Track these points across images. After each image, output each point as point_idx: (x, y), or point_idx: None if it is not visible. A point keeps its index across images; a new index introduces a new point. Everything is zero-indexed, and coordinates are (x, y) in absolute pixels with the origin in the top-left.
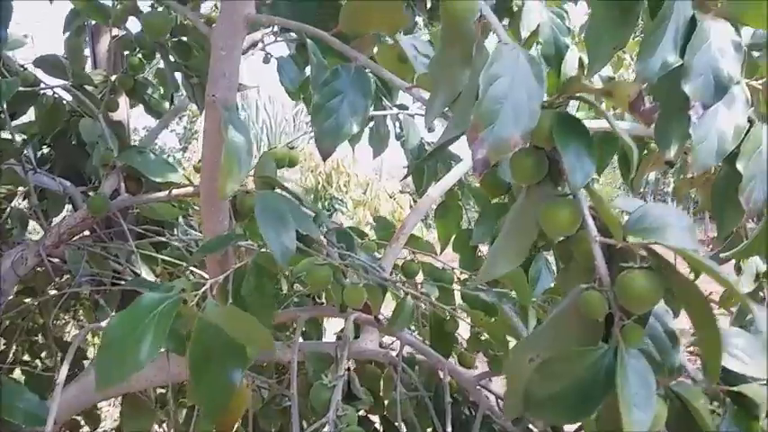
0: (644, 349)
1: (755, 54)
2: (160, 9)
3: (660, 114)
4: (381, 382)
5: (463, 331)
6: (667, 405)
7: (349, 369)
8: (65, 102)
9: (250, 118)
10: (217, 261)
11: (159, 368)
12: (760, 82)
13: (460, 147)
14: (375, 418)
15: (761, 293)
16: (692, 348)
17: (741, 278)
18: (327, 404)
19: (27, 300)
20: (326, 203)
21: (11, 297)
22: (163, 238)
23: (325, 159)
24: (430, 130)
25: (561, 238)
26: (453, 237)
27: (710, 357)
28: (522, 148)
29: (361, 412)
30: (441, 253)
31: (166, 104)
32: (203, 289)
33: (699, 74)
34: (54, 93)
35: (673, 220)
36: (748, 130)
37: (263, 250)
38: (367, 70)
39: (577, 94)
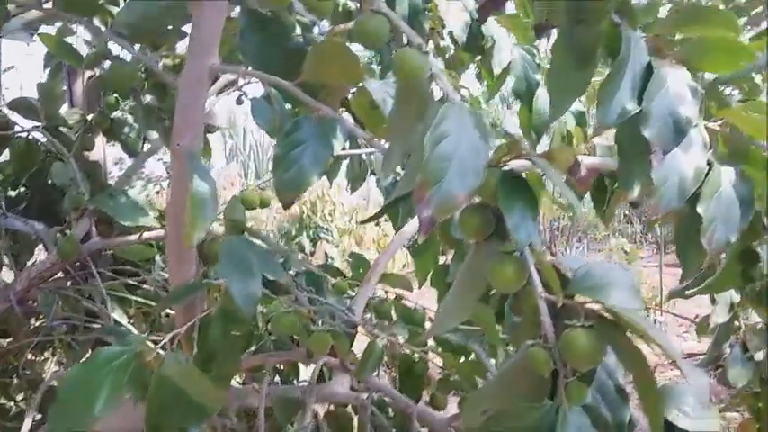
0: (590, 406)
1: (725, 89)
2: (128, 59)
3: (622, 158)
4: (355, 423)
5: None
6: None
7: (316, 416)
8: (39, 143)
9: (237, 145)
10: (183, 307)
11: (126, 416)
12: (717, 124)
13: None
14: None
15: (736, 323)
16: None
17: (716, 308)
18: None
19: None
20: (311, 232)
21: None
22: (133, 280)
23: (286, 209)
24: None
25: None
26: (431, 272)
27: (653, 416)
28: (470, 205)
29: None
30: (419, 287)
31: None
32: (163, 342)
33: (657, 119)
34: (29, 134)
35: (616, 279)
36: (707, 173)
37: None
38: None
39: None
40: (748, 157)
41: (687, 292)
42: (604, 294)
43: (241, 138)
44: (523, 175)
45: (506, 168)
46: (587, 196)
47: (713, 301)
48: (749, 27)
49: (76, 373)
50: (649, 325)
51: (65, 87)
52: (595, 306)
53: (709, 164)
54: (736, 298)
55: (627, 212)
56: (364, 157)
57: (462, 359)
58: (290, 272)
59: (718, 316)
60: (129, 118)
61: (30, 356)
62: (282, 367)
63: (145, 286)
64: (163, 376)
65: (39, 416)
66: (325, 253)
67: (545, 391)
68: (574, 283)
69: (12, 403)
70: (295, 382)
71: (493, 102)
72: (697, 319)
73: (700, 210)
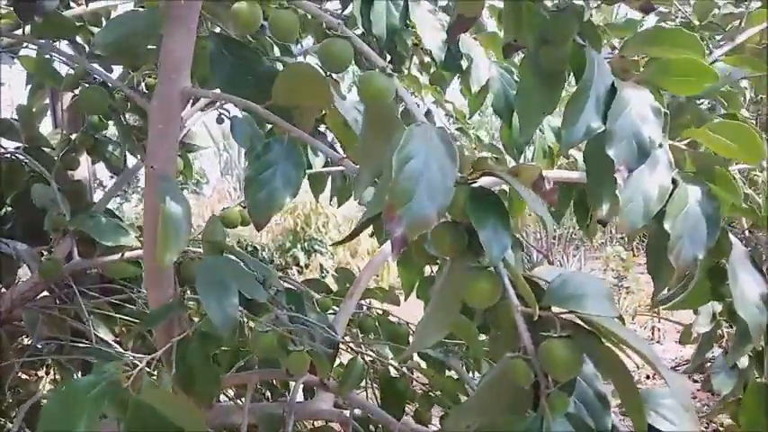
0: (573, 414)
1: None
2: (97, 84)
3: (590, 176)
4: None
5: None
6: None
7: None
8: (23, 163)
9: (232, 158)
10: (163, 329)
11: None
12: (684, 143)
13: None
14: None
15: (719, 332)
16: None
17: (698, 318)
18: None
19: None
20: (306, 244)
21: None
22: (118, 298)
23: (259, 230)
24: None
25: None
26: (417, 284)
27: (636, 421)
28: (442, 223)
29: None
30: (405, 300)
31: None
32: (141, 366)
33: (621, 138)
34: (12, 156)
35: (591, 289)
36: (673, 191)
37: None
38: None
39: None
40: (714, 176)
41: (662, 307)
42: (580, 304)
43: (236, 151)
44: (496, 189)
45: (475, 185)
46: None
47: (695, 310)
48: (724, 42)
49: (54, 405)
50: (626, 332)
51: (47, 101)
52: (571, 316)
53: (675, 182)
54: (719, 307)
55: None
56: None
57: (446, 374)
58: (271, 290)
59: (700, 326)
60: (113, 137)
61: (23, 375)
62: (275, 382)
63: (132, 303)
64: (139, 401)
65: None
66: (321, 265)
67: (527, 403)
68: (549, 294)
69: (5, 420)
70: (287, 395)
71: (488, 111)
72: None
73: (666, 226)
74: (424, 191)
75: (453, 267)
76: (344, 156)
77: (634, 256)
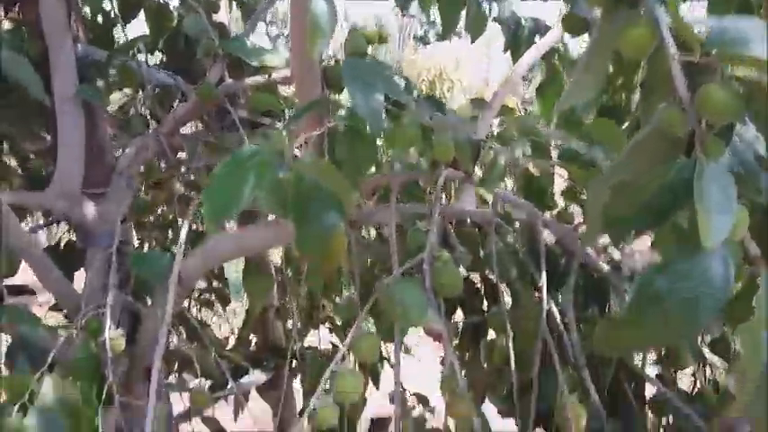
0: (728, 164)
1: None
2: None
3: None
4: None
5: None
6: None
7: (443, 222)
8: (172, 7)
9: None
10: (311, 126)
11: (272, 231)
12: None
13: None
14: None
15: None
16: None
17: None
18: (424, 245)
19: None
20: None
21: (140, 192)
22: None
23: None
24: None
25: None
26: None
27: None
28: None
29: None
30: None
31: None
32: (299, 142)
33: None
34: None
35: (756, 33)
36: None
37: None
38: None
39: None
40: None
41: None
42: (745, 47)
43: None
44: None
45: None
46: None
47: None
48: None
49: (225, 166)
50: None
51: None
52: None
53: None
54: None
55: None
56: (485, 5)
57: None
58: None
59: None
60: None
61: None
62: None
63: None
64: (301, 170)
65: None
66: None
67: (680, 154)
68: (711, 38)
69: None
70: None
71: None
72: None
73: None
74: None
75: (606, 20)
76: None
77: None
